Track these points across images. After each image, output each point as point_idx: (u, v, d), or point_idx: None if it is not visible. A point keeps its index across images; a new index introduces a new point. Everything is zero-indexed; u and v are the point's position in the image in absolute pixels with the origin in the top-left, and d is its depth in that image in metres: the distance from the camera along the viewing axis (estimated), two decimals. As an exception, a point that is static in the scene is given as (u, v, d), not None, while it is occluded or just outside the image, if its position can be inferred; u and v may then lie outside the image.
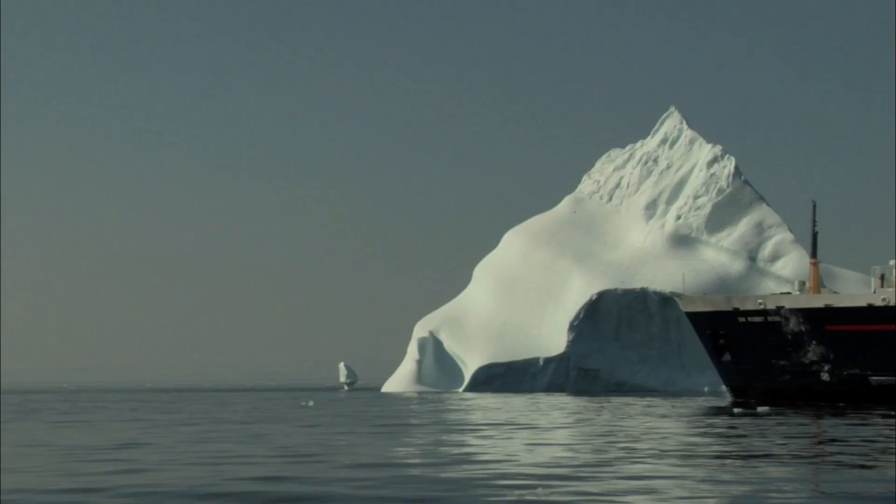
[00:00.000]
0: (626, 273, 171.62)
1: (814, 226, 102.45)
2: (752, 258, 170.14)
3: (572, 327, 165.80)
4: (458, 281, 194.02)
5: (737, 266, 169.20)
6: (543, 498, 19.97)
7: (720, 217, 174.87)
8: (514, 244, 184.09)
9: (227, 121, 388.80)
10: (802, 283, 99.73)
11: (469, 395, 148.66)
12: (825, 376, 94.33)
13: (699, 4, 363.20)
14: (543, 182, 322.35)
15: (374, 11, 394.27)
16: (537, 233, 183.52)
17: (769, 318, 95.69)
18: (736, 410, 69.61)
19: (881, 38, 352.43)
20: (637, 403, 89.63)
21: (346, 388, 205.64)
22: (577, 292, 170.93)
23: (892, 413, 68.70)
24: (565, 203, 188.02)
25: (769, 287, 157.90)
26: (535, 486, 22.51)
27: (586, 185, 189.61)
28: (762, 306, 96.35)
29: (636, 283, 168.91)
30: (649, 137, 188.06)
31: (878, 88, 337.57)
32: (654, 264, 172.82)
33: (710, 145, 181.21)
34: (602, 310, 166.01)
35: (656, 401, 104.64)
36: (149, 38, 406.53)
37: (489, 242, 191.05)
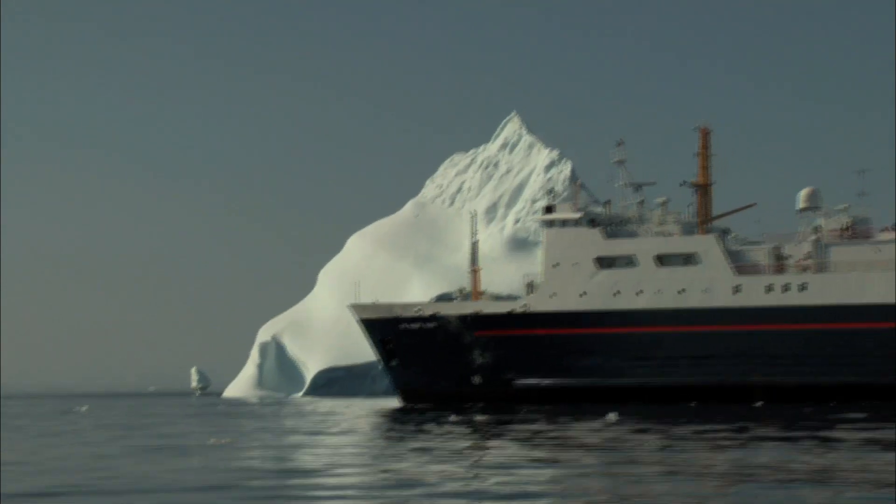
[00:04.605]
0: (466, 276, 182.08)
1: (473, 235, 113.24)
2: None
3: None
4: (304, 285, 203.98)
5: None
6: None
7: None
8: (358, 248, 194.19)
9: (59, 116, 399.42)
10: (462, 290, 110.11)
11: (306, 399, 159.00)
12: (476, 380, 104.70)
13: (544, 9, 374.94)
14: (387, 187, 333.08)
15: (200, 24, 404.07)
16: (381, 237, 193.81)
17: (425, 325, 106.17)
18: (453, 418, 77.51)
19: (725, 39, 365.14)
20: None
21: (198, 393, 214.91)
22: (417, 295, 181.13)
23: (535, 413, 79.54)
24: (409, 207, 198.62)
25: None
26: None
27: (429, 189, 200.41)
28: (420, 313, 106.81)
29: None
30: (490, 142, 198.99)
31: (709, 90, 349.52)
32: (493, 267, 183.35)
33: (547, 150, 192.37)
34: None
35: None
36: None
37: (335, 247, 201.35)
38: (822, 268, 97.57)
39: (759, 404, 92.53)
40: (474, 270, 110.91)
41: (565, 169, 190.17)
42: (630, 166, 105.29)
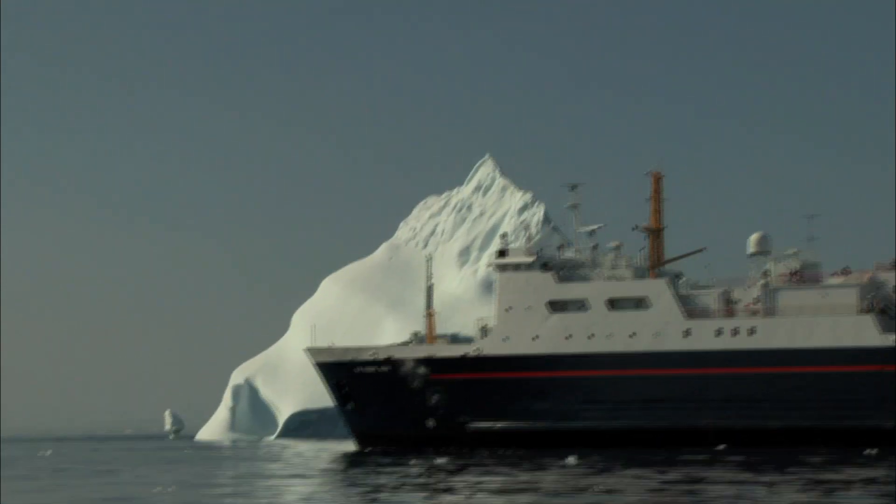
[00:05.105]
0: (439, 319, 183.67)
1: (428, 279, 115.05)
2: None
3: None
4: (277, 328, 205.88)
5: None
6: None
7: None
8: (332, 291, 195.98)
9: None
10: (416, 333, 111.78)
11: (279, 442, 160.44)
12: (430, 423, 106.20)
13: (517, 50, 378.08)
14: (361, 229, 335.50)
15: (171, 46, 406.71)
16: (354, 279, 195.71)
17: (380, 369, 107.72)
18: (413, 462, 78.54)
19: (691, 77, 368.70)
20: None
21: (171, 436, 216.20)
22: (390, 337, 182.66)
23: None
24: (382, 250, 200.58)
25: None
26: None
27: (403, 231, 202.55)
28: (375, 357, 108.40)
29: (448, 329, 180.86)
30: (464, 185, 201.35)
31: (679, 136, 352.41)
32: (466, 310, 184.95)
33: (520, 192, 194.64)
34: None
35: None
36: None
37: (308, 289, 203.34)
38: (770, 312, 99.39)
39: (721, 447, 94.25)
40: (429, 314, 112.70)
41: (538, 212, 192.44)
42: (593, 210, 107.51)
